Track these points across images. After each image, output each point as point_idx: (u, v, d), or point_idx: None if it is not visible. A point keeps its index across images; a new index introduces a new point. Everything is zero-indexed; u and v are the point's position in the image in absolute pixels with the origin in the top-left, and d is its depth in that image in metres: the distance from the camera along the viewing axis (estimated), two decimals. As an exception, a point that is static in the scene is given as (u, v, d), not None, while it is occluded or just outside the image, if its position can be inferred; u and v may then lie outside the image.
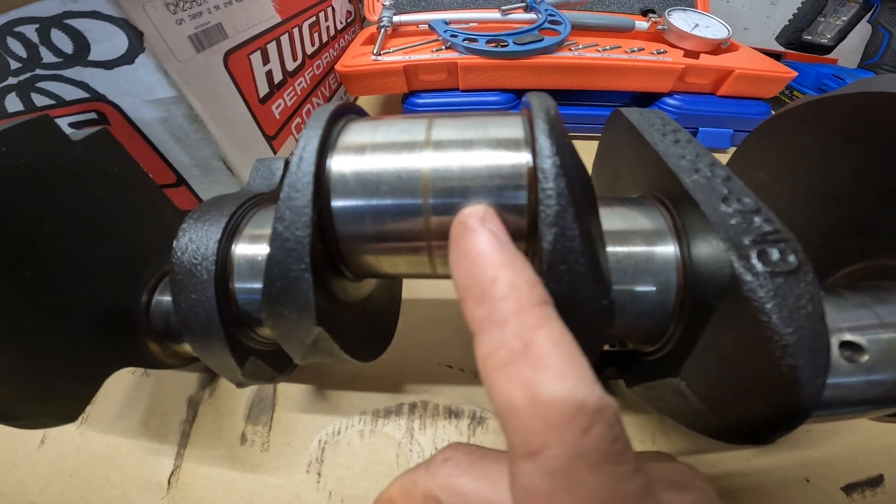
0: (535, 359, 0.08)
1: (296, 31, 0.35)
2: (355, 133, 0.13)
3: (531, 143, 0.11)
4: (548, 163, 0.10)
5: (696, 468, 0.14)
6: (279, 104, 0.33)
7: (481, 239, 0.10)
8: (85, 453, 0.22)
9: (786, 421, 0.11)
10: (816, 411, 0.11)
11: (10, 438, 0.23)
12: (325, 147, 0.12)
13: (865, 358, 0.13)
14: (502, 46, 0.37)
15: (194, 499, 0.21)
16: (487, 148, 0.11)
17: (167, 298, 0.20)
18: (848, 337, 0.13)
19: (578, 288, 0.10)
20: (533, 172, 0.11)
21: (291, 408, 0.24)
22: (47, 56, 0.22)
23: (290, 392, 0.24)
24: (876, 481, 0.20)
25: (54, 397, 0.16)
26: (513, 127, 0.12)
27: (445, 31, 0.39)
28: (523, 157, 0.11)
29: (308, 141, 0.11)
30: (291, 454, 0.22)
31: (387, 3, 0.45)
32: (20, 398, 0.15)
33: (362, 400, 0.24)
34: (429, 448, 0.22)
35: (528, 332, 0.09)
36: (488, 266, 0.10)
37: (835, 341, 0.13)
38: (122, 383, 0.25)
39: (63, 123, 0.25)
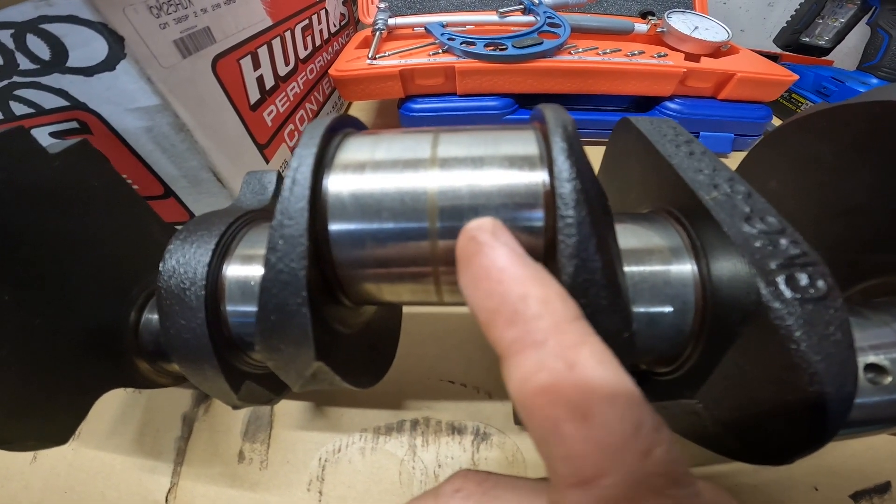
0: (582, 379, 0.08)
1: (288, 34, 0.34)
2: (354, 149, 0.12)
3: (547, 162, 0.10)
4: (567, 187, 0.09)
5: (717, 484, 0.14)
6: (271, 111, 0.32)
7: (500, 254, 0.09)
8: (78, 470, 0.22)
9: (809, 444, 0.11)
10: (841, 431, 0.11)
11: (0, 454, 0.22)
12: (321, 166, 0.11)
13: (889, 380, 0.12)
14: (501, 50, 0.36)
15: (192, 518, 0.20)
16: (499, 166, 0.11)
17: (156, 317, 0.19)
18: (872, 359, 0.13)
19: (599, 322, 0.09)
20: (549, 193, 0.10)
21: (290, 425, 0.23)
22: (24, 63, 0.20)
23: (287, 409, 0.24)
24: (883, 488, 0.20)
25: (43, 420, 0.16)
26: (526, 143, 0.11)
27: (442, 35, 0.38)
28: (538, 177, 0.10)
29: (302, 161, 0.10)
30: (291, 472, 0.21)
31: (381, 5, 0.44)
32: (7, 421, 0.15)
33: (363, 417, 0.23)
34: (432, 465, 0.21)
35: (570, 350, 0.08)
36: (514, 282, 0.09)
37: (859, 363, 0.13)
38: (113, 400, 0.24)
39: (44, 133, 0.23)
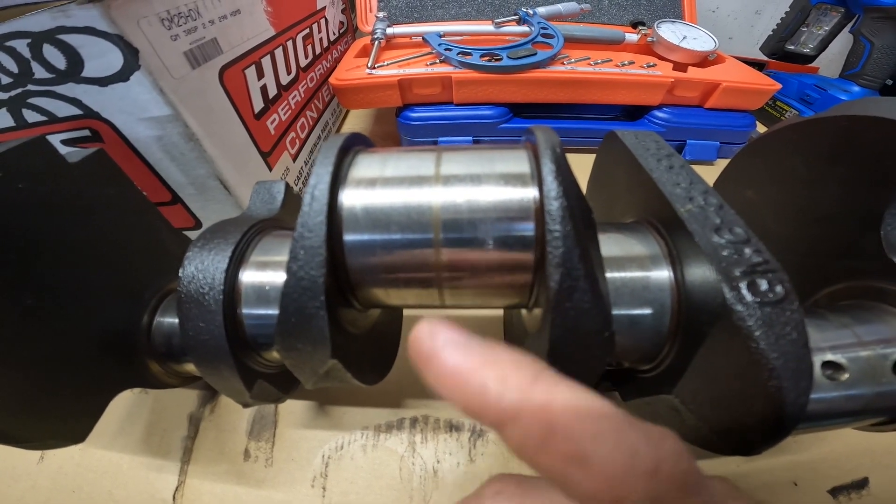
0: (567, 433, 0.08)
1: (290, 43, 0.35)
2: (365, 167, 0.13)
3: (538, 180, 0.12)
4: (555, 205, 0.10)
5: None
6: (274, 119, 0.33)
7: (445, 357, 0.10)
8: (86, 470, 0.22)
9: (772, 435, 0.12)
10: (801, 424, 0.12)
11: (8, 454, 0.23)
12: (336, 182, 0.12)
13: (846, 376, 0.14)
14: (496, 60, 0.37)
15: (201, 515, 0.21)
16: (495, 184, 0.12)
17: (168, 319, 0.20)
18: (829, 357, 0.14)
19: (583, 323, 0.10)
20: (539, 209, 0.11)
21: (294, 423, 0.24)
22: (39, 72, 0.21)
23: (291, 408, 0.24)
24: (861, 484, 0.21)
25: (62, 419, 0.17)
26: (518, 162, 0.12)
27: (440, 45, 0.39)
28: (530, 193, 0.12)
29: (319, 178, 0.12)
30: (295, 469, 0.22)
31: (380, 14, 0.45)
32: (29, 421, 0.15)
33: (364, 415, 0.24)
34: (431, 461, 0.22)
35: (544, 412, 0.08)
36: (469, 375, 0.09)
37: (817, 361, 0.14)
38: (120, 400, 0.24)
39: (55, 140, 0.24)
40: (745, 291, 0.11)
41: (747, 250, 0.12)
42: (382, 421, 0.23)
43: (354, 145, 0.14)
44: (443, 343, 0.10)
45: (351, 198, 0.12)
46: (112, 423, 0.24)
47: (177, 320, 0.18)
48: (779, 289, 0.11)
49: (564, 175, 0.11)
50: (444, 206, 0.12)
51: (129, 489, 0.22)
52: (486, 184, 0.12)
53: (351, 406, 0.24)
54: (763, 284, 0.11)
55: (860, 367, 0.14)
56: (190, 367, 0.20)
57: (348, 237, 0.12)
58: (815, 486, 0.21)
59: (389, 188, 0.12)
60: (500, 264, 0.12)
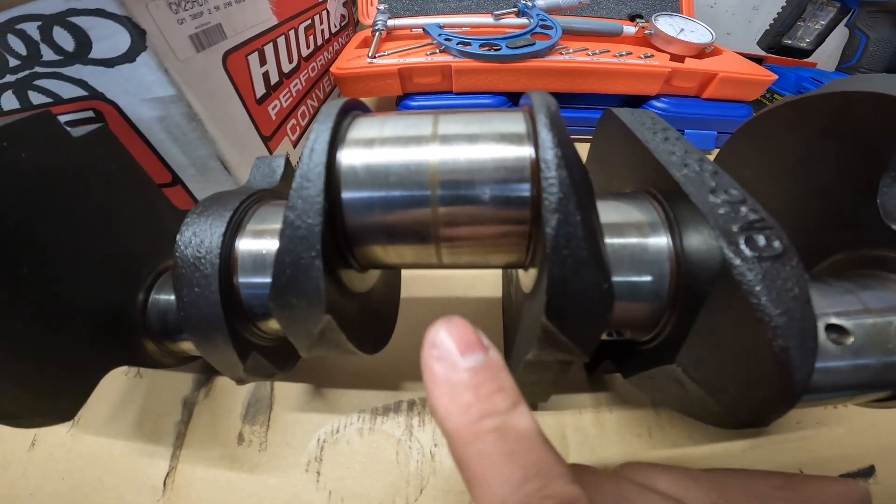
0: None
1: (292, 33, 0.36)
2: (363, 128, 0.13)
3: (533, 138, 0.12)
4: (550, 154, 0.10)
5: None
6: (275, 105, 0.33)
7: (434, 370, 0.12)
8: (77, 456, 0.22)
9: (780, 402, 0.12)
10: (807, 395, 0.12)
11: (-2, 441, 0.22)
12: (336, 140, 0.12)
13: (851, 340, 0.13)
14: (495, 50, 0.37)
15: (191, 501, 0.20)
16: (492, 142, 0.12)
17: (164, 297, 0.20)
18: (834, 320, 0.14)
19: (580, 272, 0.10)
20: (536, 165, 0.11)
21: (289, 407, 0.23)
22: (47, 54, 0.21)
23: (287, 391, 0.24)
24: (868, 472, 0.20)
25: (50, 396, 0.16)
26: (515, 122, 0.12)
27: (440, 35, 0.39)
28: (526, 151, 0.12)
29: (319, 134, 0.12)
30: (290, 454, 0.22)
31: (381, 7, 0.45)
32: (16, 397, 0.15)
33: (361, 398, 0.23)
34: (428, 445, 0.22)
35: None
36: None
37: (821, 325, 0.14)
38: (114, 384, 0.24)
39: (58, 122, 0.24)
40: (743, 246, 0.11)
41: (743, 209, 0.12)
42: (379, 404, 0.23)
43: (353, 110, 0.14)
44: (436, 356, 0.12)
45: (349, 156, 0.12)
46: (105, 407, 0.24)
47: (172, 297, 0.18)
48: (776, 244, 0.11)
49: (559, 129, 0.11)
50: (442, 163, 0.12)
51: (120, 476, 0.21)
52: (482, 142, 0.12)
53: (347, 389, 0.24)
54: (761, 240, 0.11)
55: (866, 332, 0.14)
56: (185, 346, 0.20)
57: (346, 194, 0.12)
58: (822, 475, 0.21)
59: (387, 147, 0.12)
60: (496, 219, 0.12)
